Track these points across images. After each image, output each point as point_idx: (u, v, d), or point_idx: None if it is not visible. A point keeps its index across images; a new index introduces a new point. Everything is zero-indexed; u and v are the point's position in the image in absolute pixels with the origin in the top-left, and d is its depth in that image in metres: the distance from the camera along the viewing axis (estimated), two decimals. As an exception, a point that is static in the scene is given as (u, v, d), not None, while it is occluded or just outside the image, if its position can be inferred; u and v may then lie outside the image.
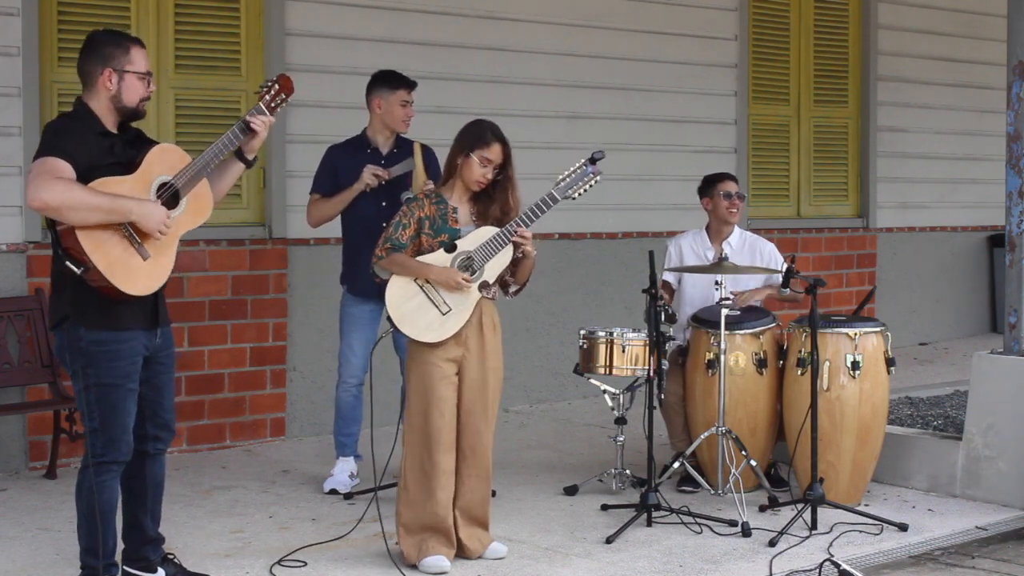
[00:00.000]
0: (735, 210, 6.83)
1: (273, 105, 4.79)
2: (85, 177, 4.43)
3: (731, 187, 6.86)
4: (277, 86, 4.81)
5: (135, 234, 4.50)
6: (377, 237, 5.52)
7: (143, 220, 4.49)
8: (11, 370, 6.90)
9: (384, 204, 6.41)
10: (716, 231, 6.89)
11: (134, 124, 4.77)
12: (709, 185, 6.91)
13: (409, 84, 6.61)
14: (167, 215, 4.55)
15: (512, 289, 5.53)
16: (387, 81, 6.61)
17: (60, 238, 4.44)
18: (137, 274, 4.52)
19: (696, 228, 7.03)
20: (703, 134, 9.87)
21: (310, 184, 6.70)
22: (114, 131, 4.64)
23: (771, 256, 6.82)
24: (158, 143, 4.72)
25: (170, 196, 4.61)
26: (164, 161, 4.63)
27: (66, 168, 4.39)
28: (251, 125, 4.73)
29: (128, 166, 4.56)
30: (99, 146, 4.54)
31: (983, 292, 12.10)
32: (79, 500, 4.67)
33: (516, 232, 5.29)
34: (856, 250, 11.06)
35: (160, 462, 4.93)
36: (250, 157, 4.85)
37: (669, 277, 6.88)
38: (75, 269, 4.41)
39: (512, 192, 5.40)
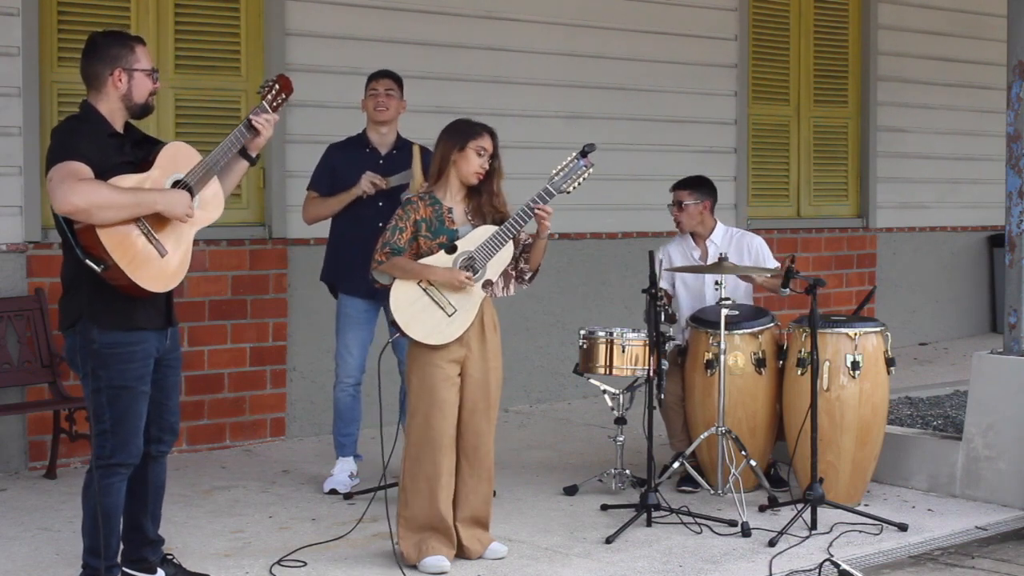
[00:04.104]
0: (679, 220, 6.78)
1: (275, 104, 4.84)
2: (99, 177, 4.44)
3: (679, 196, 6.78)
4: (277, 86, 4.87)
5: (152, 231, 4.53)
6: (373, 237, 5.52)
7: (169, 209, 4.52)
8: (11, 370, 6.90)
9: (381, 204, 6.40)
10: (696, 232, 6.87)
11: (137, 122, 4.78)
12: None
13: (377, 75, 6.62)
14: (191, 200, 4.58)
15: (528, 275, 5.53)
16: (367, 80, 6.65)
17: (78, 237, 4.44)
18: (156, 270, 4.55)
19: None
20: (703, 134, 9.87)
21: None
22: (121, 132, 4.66)
23: (759, 250, 6.77)
24: (166, 142, 4.74)
25: None
26: (176, 159, 4.66)
27: (85, 170, 4.41)
28: (255, 124, 4.77)
29: (138, 166, 4.59)
30: (110, 146, 4.57)
31: (983, 292, 12.09)
32: (85, 500, 4.67)
33: (517, 231, 5.30)
34: (856, 250, 11.05)
35: (162, 464, 4.94)
36: (254, 155, 4.88)
37: (664, 284, 6.84)
38: (95, 267, 4.41)
39: (500, 180, 5.42)
